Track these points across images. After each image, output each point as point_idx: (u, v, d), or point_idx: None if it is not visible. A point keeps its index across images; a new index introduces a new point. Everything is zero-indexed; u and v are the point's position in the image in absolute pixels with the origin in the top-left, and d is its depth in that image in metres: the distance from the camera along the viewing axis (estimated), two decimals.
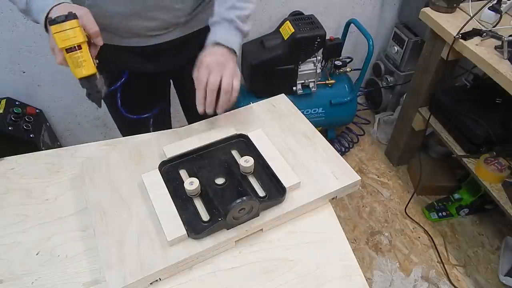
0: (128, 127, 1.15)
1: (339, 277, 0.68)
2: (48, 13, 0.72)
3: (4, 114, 1.55)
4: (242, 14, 0.87)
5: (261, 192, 0.76)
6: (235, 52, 0.86)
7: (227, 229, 0.70)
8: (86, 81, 0.73)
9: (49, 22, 0.68)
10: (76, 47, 0.69)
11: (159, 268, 0.65)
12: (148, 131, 1.14)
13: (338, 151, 0.91)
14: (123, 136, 1.18)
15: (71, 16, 0.68)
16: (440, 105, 1.61)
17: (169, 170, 0.81)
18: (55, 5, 0.72)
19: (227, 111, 0.88)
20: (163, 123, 1.25)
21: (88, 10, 0.73)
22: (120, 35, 0.93)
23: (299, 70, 1.75)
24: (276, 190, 0.76)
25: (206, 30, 0.90)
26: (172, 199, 0.73)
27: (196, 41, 0.98)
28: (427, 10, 1.51)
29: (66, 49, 0.69)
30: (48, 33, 0.72)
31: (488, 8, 1.38)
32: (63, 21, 0.67)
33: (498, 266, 1.60)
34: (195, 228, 0.69)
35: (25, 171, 0.86)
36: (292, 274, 0.68)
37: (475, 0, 1.49)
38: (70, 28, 0.67)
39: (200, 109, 0.82)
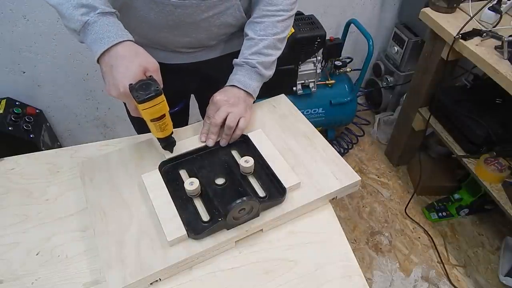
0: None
1: (339, 277, 0.68)
2: (107, 50, 0.68)
3: (4, 114, 1.55)
4: (266, 60, 0.88)
5: (261, 192, 0.76)
6: (252, 95, 0.88)
7: (227, 229, 0.70)
8: (165, 139, 0.78)
9: (137, 99, 0.66)
10: (160, 116, 0.72)
11: (159, 268, 0.65)
12: None
13: (338, 151, 0.91)
14: (136, 129, 1.18)
15: (158, 91, 0.67)
16: (440, 105, 1.61)
17: (169, 170, 0.81)
18: (118, 43, 0.69)
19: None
20: (181, 119, 1.26)
21: (158, 65, 0.72)
22: (149, 45, 0.90)
23: (299, 70, 1.75)
24: (276, 190, 0.76)
25: (230, 56, 0.91)
26: (172, 199, 0.73)
27: (220, 65, 0.98)
28: (427, 10, 1.51)
29: (151, 119, 0.72)
30: (103, 70, 0.71)
31: (488, 8, 1.38)
32: (150, 98, 0.66)
33: (498, 266, 1.60)
34: (195, 228, 0.69)
35: (25, 171, 0.86)
36: (292, 274, 0.68)
37: (475, 0, 1.49)
38: (158, 104, 0.69)
39: (201, 138, 0.85)
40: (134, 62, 0.68)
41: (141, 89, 0.66)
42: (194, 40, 0.92)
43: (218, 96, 0.85)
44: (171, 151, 0.82)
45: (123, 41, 0.70)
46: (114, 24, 0.71)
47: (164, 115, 0.72)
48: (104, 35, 0.69)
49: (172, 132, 0.78)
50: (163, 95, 0.69)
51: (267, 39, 0.87)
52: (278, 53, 0.91)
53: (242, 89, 0.87)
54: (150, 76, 0.69)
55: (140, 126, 1.16)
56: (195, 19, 0.84)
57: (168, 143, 0.80)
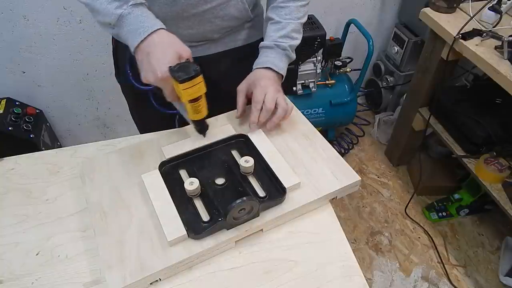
0: (156, 122, 1.10)
1: (339, 277, 0.68)
2: (144, 39, 0.71)
3: (4, 114, 1.55)
4: (293, 43, 0.91)
5: (261, 192, 0.76)
6: (283, 77, 0.91)
7: (227, 229, 0.70)
8: (200, 121, 0.81)
9: (178, 79, 0.68)
10: (198, 97, 0.74)
11: (159, 268, 0.65)
12: (174, 127, 1.13)
13: (338, 151, 0.91)
14: (138, 128, 1.18)
15: (198, 71, 0.70)
16: (440, 105, 1.61)
17: (169, 170, 0.81)
18: (153, 32, 0.72)
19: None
20: (183, 120, 1.25)
21: (191, 52, 0.74)
22: None
23: (299, 70, 1.75)
24: (276, 190, 0.76)
25: (236, 50, 0.92)
26: (172, 199, 0.73)
27: (226, 59, 0.99)
28: (427, 10, 1.52)
29: (189, 100, 0.74)
30: (139, 59, 0.73)
31: (488, 8, 1.38)
32: (191, 78, 0.69)
33: (498, 266, 1.61)
34: (195, 228, 0.69)
35: (25, 171, 0.86)
36: (292, 275, 0.68)
37: (475, 0, 1.49)
38: (197, 84, 0.71)
39: (253, 127, 0.86)
40: (170, 49, 0.72)
41: (181, 70, 0.70)
42: (198, 33, 0.92)
43: (262, 81, 0.86)
44: (204, 135, 0.84)
45: (158, 29, 0.73)
46: (147, 14, 0.74)
47: (201, 97, 0.75)
48: (139, 25, 0.72)
49: (207, 116, 0.80)
50: (202, 76, 0.71)
51: (293, 23, 0.89)
52: (300, 37, 0.93)
53: (276, 71, 0.88)
54: (187, 59, 0.72)
55: (142, 125, 1.16)
56: (198, 10, 0.86)
57: (202, 126, 0.83)
